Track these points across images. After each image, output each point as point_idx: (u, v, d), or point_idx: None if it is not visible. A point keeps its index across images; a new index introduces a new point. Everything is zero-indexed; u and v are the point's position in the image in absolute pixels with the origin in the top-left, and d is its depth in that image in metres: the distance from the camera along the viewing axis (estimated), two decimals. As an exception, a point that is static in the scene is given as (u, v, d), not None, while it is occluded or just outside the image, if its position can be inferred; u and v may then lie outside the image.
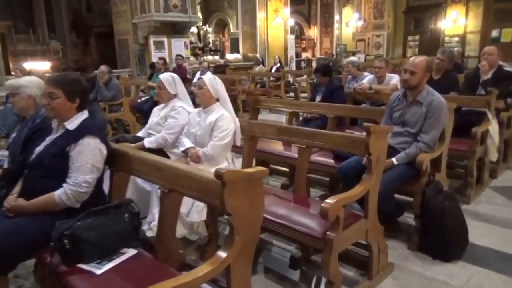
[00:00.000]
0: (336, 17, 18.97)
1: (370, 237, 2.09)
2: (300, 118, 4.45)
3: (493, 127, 3.48)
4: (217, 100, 2.73)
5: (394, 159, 2.62)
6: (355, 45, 21.36)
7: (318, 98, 4.51)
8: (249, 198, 1.47)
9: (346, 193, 1.93)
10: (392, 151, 2.73)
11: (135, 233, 1.82)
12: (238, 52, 16.30)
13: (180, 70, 7.56)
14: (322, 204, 1.78)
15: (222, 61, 15.43)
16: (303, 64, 17.60)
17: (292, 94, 9.88)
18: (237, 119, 2.75)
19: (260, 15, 15.40)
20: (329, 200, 1.78)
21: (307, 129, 2.30)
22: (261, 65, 11.11)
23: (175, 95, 3.07)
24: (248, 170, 1.52)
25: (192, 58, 14.23)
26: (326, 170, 3.05)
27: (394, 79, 4.60)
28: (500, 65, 4.12)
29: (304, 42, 20.78)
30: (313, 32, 20.14)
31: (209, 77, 2.71)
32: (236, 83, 8.60)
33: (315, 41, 20.17)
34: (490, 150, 3.49)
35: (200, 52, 15.52)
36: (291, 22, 16.64)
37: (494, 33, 17.30)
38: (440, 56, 4.35)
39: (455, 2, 18.73)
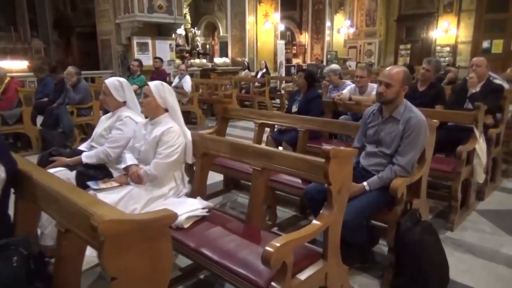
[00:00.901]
0: (328, 24, 18.74)
1: (330, 282, 1.74)
2: (276, 128, 4.12)
3: (481, 145, 3.16)
4: (166, 110, 2.37)
5: (365, 184, 2.28)
6: (347, 52, 21.18)
7: (294, 108, 4.18)
8: (146, 256, 1.11)
9: (298, 232, 1.57)
10: (365, 174, 2.40)
11: (31, 278, 1.45)
12: (227, 56, 15.98)
13: (158, 73, 7.15)
14: (266, 247, 1.42)
15: (210, 64, 15.09)
16: (293, 70, 17.28)
17: (278, 100, 9.57)
18: (189, 133, 2.39)
19: (249, 19, 15.10)
20: (274, 243, 1.43)
21: (263, 148, 1.95)
22: (246, 70, 10.76)
23: (124, 103, 2.70)
24: (143, 216, 1.18)
25: (178, 61, 13.87)
26: (293, 192, 2.70)
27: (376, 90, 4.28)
28: (489, 78, 3.82)
29: (295, 48, 20.52)
30: (305, 38, 19.90)
31: (155, 84, 2.34)
32: (218, 88, 8.25)
33: (306, 47, 19.93)
34: (477, 171, 3.17)
35: (187, 55, 15.15)
36: (281, 27, 16.38)
37: (485, 44, 17.22)
38: (426, 66, 4.04)
39: (447, 12, 18.64)
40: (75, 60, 13.02)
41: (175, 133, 2.27)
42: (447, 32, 18.48)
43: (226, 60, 15.51)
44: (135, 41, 11.22)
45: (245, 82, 9.90)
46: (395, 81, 2.25)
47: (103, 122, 2.76)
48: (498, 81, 5.57)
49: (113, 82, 2.65)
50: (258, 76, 10.05)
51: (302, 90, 4.15)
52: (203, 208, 2.10)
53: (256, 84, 9.42)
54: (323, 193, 2.22)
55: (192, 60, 14.59)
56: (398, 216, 2.20)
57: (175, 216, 1.21)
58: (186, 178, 2.43)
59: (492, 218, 3.25)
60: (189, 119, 7.63)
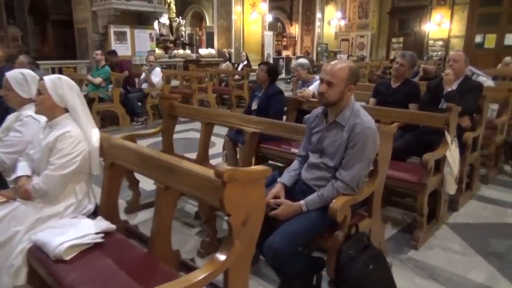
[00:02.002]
0: (318, 15, 18.25)
1: None
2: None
3: (452, 152, 2.78)
4: (66, 111, 1.96)
5: (302, 203, 1.89)
6: (338, 44, 20.75)
7: (254, 105, 3.78)
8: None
9: (187, 278, 1.19)
10: (305, 189, 2.01)
11: None
12: (213, 47, 15.49)
13: (121, 65, 6.69)
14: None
15: (194, 55, 14.61)
16: (281, 63, 16.84)
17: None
18: (96, 137, 1.98)
19: (236, 8, 14.60)
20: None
21: (166, 161, 1.56)
22: (228, 62, 10.31)
23: (30, 99, 2.28)
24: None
25: (160, 52, 13.36)
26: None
27: None
28: (467, 75, 3.43)
29: (285, 39, 20.04)
30: (295, 29, 19.42)
31: (51, 79, 1.92)
32: (193, 81, 7.81)
33: (296, 39, 19.45)
34: (447, 181, 2.80)
35: (171, 45, 14.62)
36: (269, 18, 15.88)
37: (478, 38, 16.85)
38: (400, 60, 3.65)
39: (440, 5, 18.24)
40: (51, 50, 12.46)
41: (73, 138, 1.86)
42: (440, 26, 18.10)
43: (212, 51, 15.03)
44: (112, 30, 10.72)
45: (226, 75, 9.46)
46: (338, 80, 1.85)
47: (6, 122, 2.34)
48: (482, 77, 5.20)
49: (15, 75, 2.22)
50: (239, 68, 9.61)
51: (263, 85, 3.74)
52: (97, 233, 1.71)
53: (236, 77, 8.98)
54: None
55: (175, 51, 14.08)
56: (339, 243, 1.82)
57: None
58: (93, 192, 2.03)
59: (463, 234, 2.89)
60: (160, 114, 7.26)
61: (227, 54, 10.54)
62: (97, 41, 11.05)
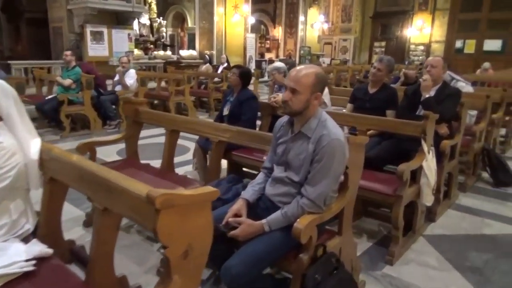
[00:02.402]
0: (301, 18, 18.24)
1: None
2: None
3: (429, 162, 2.66)
4: (1, 119, 1.74)
5: (265, 222, 1.72)
6: (322, 48, 20.78)
7: (226, 110, 3.60)
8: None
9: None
10: (270, 206, 1.84)
11: None
12: (195, 48, 15.25)
13: (85, 68, 6.40)
14: None
15: (175, 57, 14.34)
16: (264, 65, 16.71)
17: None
18: (35, 150, 1.76)
19: (218, 10, 14.42)
20: None
21: (106, 178, 1.36)
22: (208, 64, 10.10)
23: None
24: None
25: (139, 53, 13.06)
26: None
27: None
28: (445, 81, 3.33)
29: (268, 42, 19.95)
30: (278, 32, 19.34)
31: (-18, 83, 1.71)
32: (170, 84, 7.58)
33: (279, 41, 19.38)
34: (424, 192, 2.67)
35: (151, 46, 14.32)
36: (252, 20, 15.75)
37: (458, 44, 17.09)
38: (377, 64, 3.53)
39: (422, 10, 18.46)
40: (25, 49, 12.03)
41: (5, 150, 1.64)
42: (422, 31, 18.33)
43: (193, 52, 14.79)
44: (88, 29, 10.40)
45: (205, 77, 9.25)
46: (303, 87, 1.68)
47: None
48: (461, 83, 5.14)
49: None
50: (219, 71, 9.41)
51: (236, 89, 3.57)
52: (27, 260, 1.50)
53: (216, 79, 8.79)
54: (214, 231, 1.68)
55: (156, 52, 13.80)
56: (304, 266, 1.65)
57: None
58: (33, 210, 1.81)
59: (441, 247, 2.77)
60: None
61: (207, 56, 10.34)
62: (73, 40, 10.70)
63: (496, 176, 4.03)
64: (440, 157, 3.10)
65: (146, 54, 13.62)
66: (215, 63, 12.74)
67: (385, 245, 2.70)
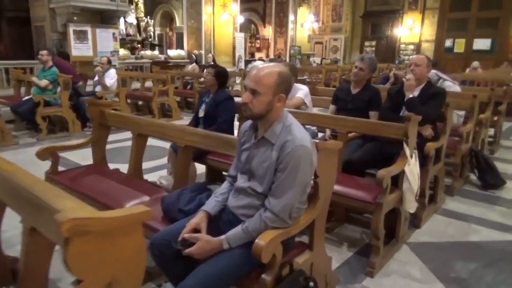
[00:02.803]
0: (291, 17, 18.06)
1: None
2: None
3: (411, 167, 2.50)
4: None
5: (223, 238, 1.54)
6: (312, 47, 20.67)
7: (201, 112, 3.42)
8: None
9: None
10: (232, 219, 1.67)
11: None
12: (183, 48, 15.02)
13: (62, 67, 6.17)
14: None
15: (162, 57, 14.10)
16: (254, 65, 16.48)
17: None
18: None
19: (206, 9, 14.20)
20: None
21: (36, 193, 1.18)
22: (194, 64, 9.90)
23: None
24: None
25: (126, 52, 12.81)
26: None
27: (300, 92, 3.58)
28: (430, 80, 3.18)
29: (258, 41, 19.77)
30: (268, 31, 19.16)
31: None
32: (155, 84, 7.38)
33: (269, 41, 19.20)
34: (407, 198, 2.51)
35: (138, 46, 14.08)
36: (241, 19, 15.54)
37: (448, 43, 17.07)
38: (359, 64, 3.37)
39: (412, 9, 18.43)
40: (7, 48, 11.72)
41: None
42: (412, 30, 18.30)
43: (181, 52, 14.56)
44: (71, 28, 10.13)
45: (192, 77, 9.05)
46: (264, 87, 1.51)
47: None
48: (448, 82, 5.02)
49: None
50: (205, 71, 9.20)
51: (211, 90, 3.40)
52: None
53: (202, 79, 8.58)
54: (170, 247, 1.51)
55: (143, 52, 13.55)
56: (268, 287, 1.48)
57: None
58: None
59: (425, 256, 2.61)
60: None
61: (193, 56, 10.14)
62: (55, 40, 10.43)
63: (484, 178, 3.90)
64: (424, 160, 2.96)
65: (133, 54, 13.37)
66: (203, 62, 12.54)
67: (366, 255, 2.54)
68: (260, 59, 16.60)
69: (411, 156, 2.52)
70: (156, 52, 14.21)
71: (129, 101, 7.51)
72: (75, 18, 10.07)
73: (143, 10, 15.06)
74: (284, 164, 1.48)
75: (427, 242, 2.82)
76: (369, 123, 2.74)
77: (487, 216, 3.29)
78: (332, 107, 3.64)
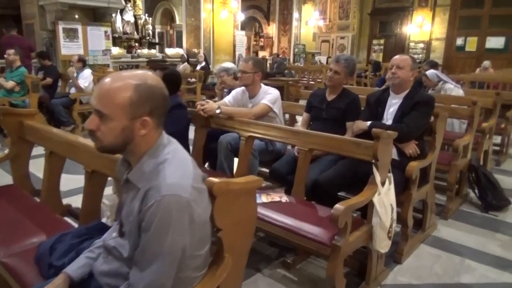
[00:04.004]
0: (295, 15, 17.50)
1: None
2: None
3: (382, 197, 1.99)
4: None
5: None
6: (318, 45, 20.10)
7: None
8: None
9: None
10: (99, 288, 1.18)
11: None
12: (182, 46, 14.59)
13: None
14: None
15: (160, 55, 13.69)
16: (256, 64, 15.98)
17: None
18: None
19: (206, 6, 13.74)
20: None
21: None
22: (185, 63, 9.46)
23: None
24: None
25: (121, 51, 12.44)
26: None
27: (268, 97, 3.08)
28: (415, 86, 2.65)
29: (262, 40, 19.26)
30: (272, 29, 18.64)
31: None
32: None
33: (273, 39, 18.67)
34: (377, 235, 2.01)
35: (136, 44, 13.68)
36: (242, 16, 15.03)
37: (459, 41, 16.31)
38: (333, 66, 2.87)
39: (422, 6, 17.73)
40: (-1, 47, 11.43)
41: None
42: (422, 28, 17.60)
43: (180, 51, 14.12)
44: (60, 26, 9.78)
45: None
46: (114, 108, 1.02)
47: None
48: (449, 85, 4.47)
49: None
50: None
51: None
52: None
53: (193, 79, 8.14)
54: None
55: (139, 51, 13.15)
56: None
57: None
58: None
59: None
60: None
61: (184, 55, 9.70)
62: (45, 38, 10.09)
63: (485, 198, 3.36)
64: (406, 183, 2.44)
65: (129, 52, 12.99)
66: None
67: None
68: (263, 58, 16.08)
69: (383, 184, 2.01)
70: (153, 50, 13.80)
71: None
72: (63, 15, 9.72)
73: (142, 8, 14.67)
74: (146, 223, 0.99)
75: (407, 285, 2.31)
76: (334, 140, 2.23)
77: (485, 247, 2.76)
78: (305, 115, 3.14)
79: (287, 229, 1.88)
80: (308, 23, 18.03)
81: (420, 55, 17.39)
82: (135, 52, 13.12)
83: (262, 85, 3.23)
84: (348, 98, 2.89)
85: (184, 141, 2.86)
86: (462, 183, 3.50)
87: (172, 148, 1.11)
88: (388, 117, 2.64)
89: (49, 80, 6.18)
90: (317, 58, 18.11)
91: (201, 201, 1.06)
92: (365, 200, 1.89)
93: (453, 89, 4.48)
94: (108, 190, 3.30)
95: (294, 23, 17.60)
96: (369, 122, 2.57)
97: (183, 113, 2.81)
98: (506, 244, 2.82)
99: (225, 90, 3.75)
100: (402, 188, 2.46)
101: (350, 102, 2.86)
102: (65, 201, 2.39)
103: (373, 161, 1.99)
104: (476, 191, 3.43)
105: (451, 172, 3.12)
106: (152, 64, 9.26)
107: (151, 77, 1.08)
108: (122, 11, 13.41)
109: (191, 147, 3.04)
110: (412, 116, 2.46)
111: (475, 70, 11.06)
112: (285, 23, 17.85)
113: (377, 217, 1.99)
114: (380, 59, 16.84)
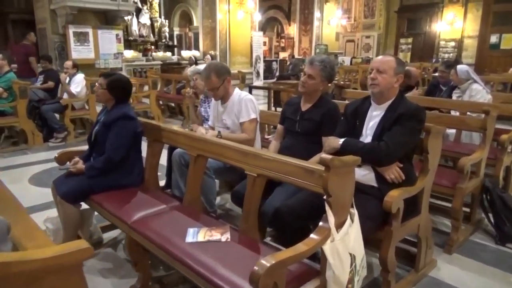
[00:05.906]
0: (317, 14, 16.90)
1: None
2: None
3: (334, 244, 1.50)
4: None
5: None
6: (343, 45, 19.36)
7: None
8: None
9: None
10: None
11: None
12: (199, 49, 14.35)
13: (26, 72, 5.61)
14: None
15: (175, 58, 13.51)
16: (275, 65, 15.56)
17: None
18: None
19: (222, 7, 13.43)
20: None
21: None
22: (194, 66, 9.11)
23: None
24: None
25: (135, 54, 12.34)
26: None
27: (249, 108, 2.63)
28: (402, 95, 2.12)
29: (283, 40, 18.78)
30: (293, 29, 18.12)
31: None
32: (138, 89, 6.68)
33: (294, 40, 18.15)
34: (330, 293, 1.52)
35: (152, 47, 13.58)
36: (259, 16, 14.61)
37: (493, 39, 15.19)
38: (308, 69, 2.40)
39: (453, 3, 16.67)
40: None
41: None
42: (453, 25, 16.53)
43: (196, 53, 13.88)
44: (71, 30, 9.73)
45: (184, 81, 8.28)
46: None
47: None
48: (477, 85, 3.86)
49: None
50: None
51: (109, 106, 2.54)
52: None
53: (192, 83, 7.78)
54: None
55: (154, 53, 13.02)
56: None
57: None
58: None
59: None
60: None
61: (193, 57, 9.35)
62: (57, 42, 10.08)
63: (501, 227, 2.77)
64: (387, 216, 1.93)
65: (145, 55, 12.89)
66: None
67: None
68: (283, 59, 15.58)
69: (337, 230, 1.52)
70: (168, 53, 13.63)
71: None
72: (74, 19, 9.65)
73: (158, 10, 14.56)
74: None
75: None
76: (286, 165, 1.74)
77: (493, 296, 2.20)
78: (279, 127, 2.68)
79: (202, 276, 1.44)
80: (330, 22, 17.36)
81: (451, 54, 16.36)
82: (151, 55, 13.01)
83: (237, 89, 2.82)
84: (326, 107, 2.40)
85: (136, 156, 2.49)
86: (474, 207, 2.91)
87: None
88: (368, 132, 2.13)
89: (51, 83, 6.00)
90: (340, 58, 17.40)
91: None
92: (307, 251, 1.41)
93: (480, 91, 3.86)
94: (53, 213, 2.96)
95: (316, 23, 17.01)
96: (342, 140, 2.07)
97: (128, 125, 2.41)
98: (523, 291, 2.24)
99: (202, 97, 3.34)
100: (381, 222, 1.95)
101: (327, 112, 2.38)
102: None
103: (324, 197, 1.51)
104: (491, 218, 2.84)
105: (456, 198, 2.56)
106: (103, 72, 9.04)
107: None
108: (138, 14, 13.34)
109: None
110: (393, 132, 1.95)
111: (509, 70, 10.13)
112: (306, 23, 17.29)
113: (330, 270, 1.51)
114: (408, 59, 15.97)
